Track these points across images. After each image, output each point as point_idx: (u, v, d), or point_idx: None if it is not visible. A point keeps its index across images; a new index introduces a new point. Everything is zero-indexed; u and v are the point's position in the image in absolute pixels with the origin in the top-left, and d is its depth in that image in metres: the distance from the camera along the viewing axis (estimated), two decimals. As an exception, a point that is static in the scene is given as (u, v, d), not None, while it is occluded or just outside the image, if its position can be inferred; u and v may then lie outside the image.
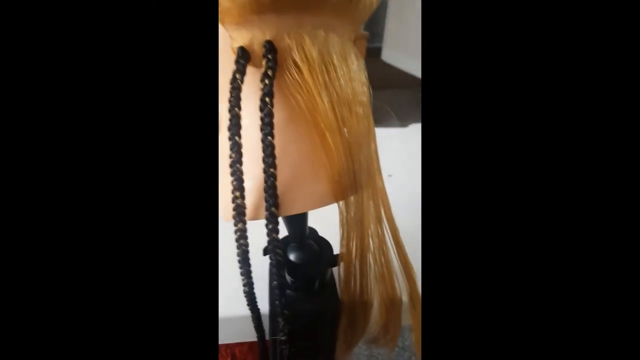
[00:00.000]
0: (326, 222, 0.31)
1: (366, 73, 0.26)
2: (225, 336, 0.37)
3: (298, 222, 0.29)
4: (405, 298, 0.32)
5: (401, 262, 0.30)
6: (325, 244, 0.32)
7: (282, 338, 0.27)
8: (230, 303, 0.34)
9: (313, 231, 0.33)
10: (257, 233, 0.25)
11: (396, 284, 0.31)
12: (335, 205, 0.26)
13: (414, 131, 0.78)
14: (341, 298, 0.30)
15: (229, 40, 0.22)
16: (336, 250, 0.30)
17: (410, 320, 0.33)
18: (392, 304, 0.31)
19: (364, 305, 0.30)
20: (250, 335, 0.35)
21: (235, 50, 0.22)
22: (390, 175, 0.57)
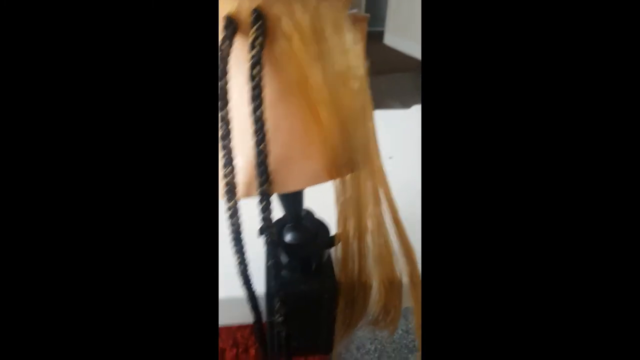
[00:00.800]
0: (323, 205, 0.30)
1: (362, 45, 0.25)
2: (228, 317, 0.37)
3: (293, 201, 0.28)
4: (405, 279, 0.31)
5: (401, 243, 0.30)
6: (321, 225, 0.31)
7: (279, 320, 0.27)
8: (233, 283, 0.34)
9: (309, 213, 0.32)
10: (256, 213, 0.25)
11: (395, 265, 0.30)
12: (331, 189, 0.26)
13: (416, 113, 0.76)
14: (339, 279, 0.29)
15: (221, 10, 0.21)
16: (333, 232, 0.29)
17: (412, 302, 0.32)
18: (391, 285, 0.30)
19: (363, 286, 0.30)
20: (248, 317, 0.35)
21: (223, 19, 0.20)
22: (390, 157, 0.56)
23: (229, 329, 0.54)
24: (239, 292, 0.32)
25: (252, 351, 0.57)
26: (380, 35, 4.01)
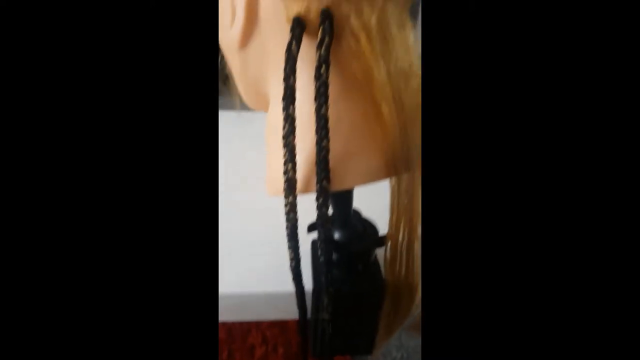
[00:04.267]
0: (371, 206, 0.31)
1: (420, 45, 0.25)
2: (254, 313, 0.37)
3: (344, 200, 0.29)
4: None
5: None
6: (369, 225, 0.31)
7: (325, 317, 0.27)
8: (264, 280, 0.35)
9: (357, 213, 0.32)
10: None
11: None
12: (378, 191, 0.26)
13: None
14: (386, 279, 0.29)
15: (283, 9, 0.21)
16: (381, 232, 0.29)
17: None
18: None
19: (409, 289, 0.30)
20: (283, 314, 0.35)
21: (291, 19, 0.21)
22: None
23: (259, 326, 0.55)
24: (272, 287, 0.33)
25: (281, 350, 0.57)
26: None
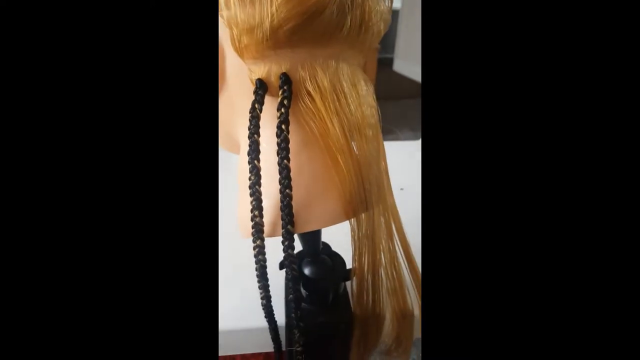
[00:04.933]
0: (339, 236, 0.32)
1: (374, 96, 0.27)
2: (241, 347, 0.38)
3: (312, 238, 0.31)
4: (417, 311, 0.32)
5: (412, 276, 0.32)
6: (338, 259, 0.33)
7: (298, 349, 0.28)
8: (247, 315, 0.36)
9: (326, 246, 0.34)
10: (273, 248, 0.27)
11: (408, 298, 0.32)
12: (348, 222, 0.28)
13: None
14: (354, 311, 0.31)
15: (248, 72, 0.24)
16: (349, 264, 0.31)
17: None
18: (403, 317, 0.32)
19: (377, 318, 0.31)
20: (266, 346, 0.37)
21: (254, 81, 0.23)
22: (402, 189, 0.58)
23: (244, 356, 0.55)
24: (255, 322, 0.34)
25: (266, 379, 0.58)
26: (389, 62, 4.08)
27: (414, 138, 0.80)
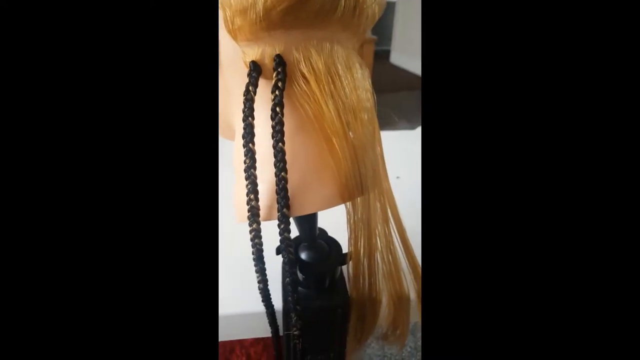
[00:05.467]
0: (336, 223, 0.33)
1: (370, 80, 0.28)
2: (239, 332, 0.39)
3: (308, 222, 0.31)
4: (413, 295, 0.33)
5: (409, 260, 0.32)
6: (334, 244, 0.33)
7: (295, 333, 0.29)
8: (246, 300, 0.36)
9: (323, 232, 0.34)
10: (271, 235, 0.27)
11: (404, 282, 0.32)
12: (344, 206, 0.28)
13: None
14: (350, 295, 0.31)
15: (241, 54, 0.24)
16: (345, 249, 0.31)
17: (420, 317, 0.34)
18: (400, 301, 0.32)
19: (373, 302, 0.32)
20: (265, 331, 0.37)
21: (248, 64, 0.23)
22: (398, 177, 0.58)
23: (243, 343, 0.56)
24: (254, 307, 0.34)
25: (265, 367, 0.58)
26: (386, 54, 4.08)
27: (410, 129, 0.80)
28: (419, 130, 0.80)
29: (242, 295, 0.37)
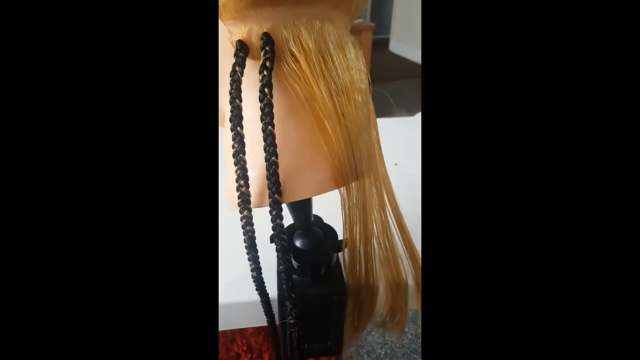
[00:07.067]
0: (333, 210, 0.32)
1: (364, 61, 0.27)
2: (240, 321, 0.38)
3: (302, 209, 0.30)
4: (411, 282, 0.32)
5: (406, 247, 0.31)
6: (329, 230, 0.33)
7: (291, 321, 0.28)
8: (246, 288, 0.35)
9: (318, 218, 0.34)
10: (267, 222, 0.26)
11: (401, 268, 0.31)
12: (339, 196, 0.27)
13: (420, 120, 0.78)
14: (347, 282, 0.31)
15: (228, 34, 0.23)
16: (341, 236, 0.31)
17: (418, 304, 0.34)
18: (397, 288, 0.32)
19: (370, 289, 0.31)
20: (261, 320, 0.37)
21: (234, 43, 0.22)
22: (396, 164, 0.57)
23: (243, 333, 0.56)
24: (254, 296, 0.34)
25: (266, 356, 0.58)
26: (385, 42, 4.04)
27: (408, 116, 0.79)
28: (417, 117, 0.78)
29: (242, 284, 0.36)
